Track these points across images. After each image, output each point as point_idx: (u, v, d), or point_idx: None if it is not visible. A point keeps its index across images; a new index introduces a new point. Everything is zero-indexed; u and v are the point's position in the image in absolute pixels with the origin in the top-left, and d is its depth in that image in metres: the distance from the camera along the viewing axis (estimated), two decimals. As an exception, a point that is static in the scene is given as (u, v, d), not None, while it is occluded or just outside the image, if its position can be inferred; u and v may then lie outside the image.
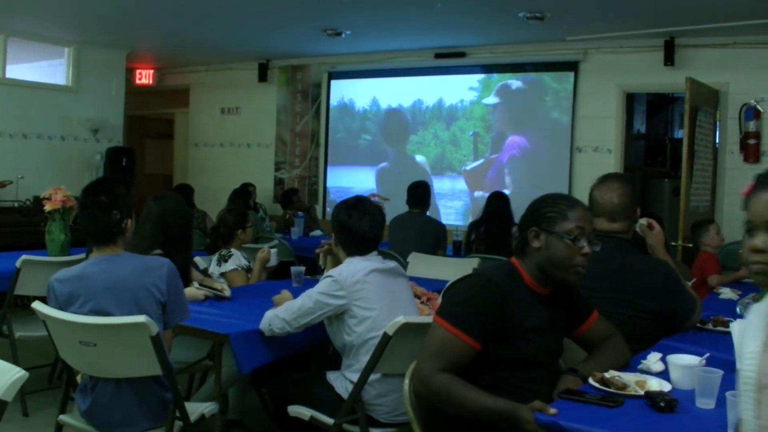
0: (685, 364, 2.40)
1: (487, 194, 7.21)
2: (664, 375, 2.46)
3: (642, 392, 2.24)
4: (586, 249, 2.51)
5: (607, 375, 2.36)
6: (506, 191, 7.70)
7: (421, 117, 9.22)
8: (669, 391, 2.28)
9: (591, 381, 2.35)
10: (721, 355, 2.52)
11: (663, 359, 2.56)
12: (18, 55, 8.73)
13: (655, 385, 2.32)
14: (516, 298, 2.50)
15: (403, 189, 6.82)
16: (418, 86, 9.23)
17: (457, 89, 8.94)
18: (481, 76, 8.76)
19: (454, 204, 9.03)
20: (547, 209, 2.56)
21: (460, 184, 8.97)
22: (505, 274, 2.58)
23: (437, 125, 9.09)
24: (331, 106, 9.85)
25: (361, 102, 9.68)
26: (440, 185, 9.01)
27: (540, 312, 2.55)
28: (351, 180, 9.67)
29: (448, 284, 2.67)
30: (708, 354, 2.48)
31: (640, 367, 2.57)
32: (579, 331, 2.75)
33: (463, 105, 8.90)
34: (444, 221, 7.60)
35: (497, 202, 6.63)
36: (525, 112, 8.53)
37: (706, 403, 2.18)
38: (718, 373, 2.19)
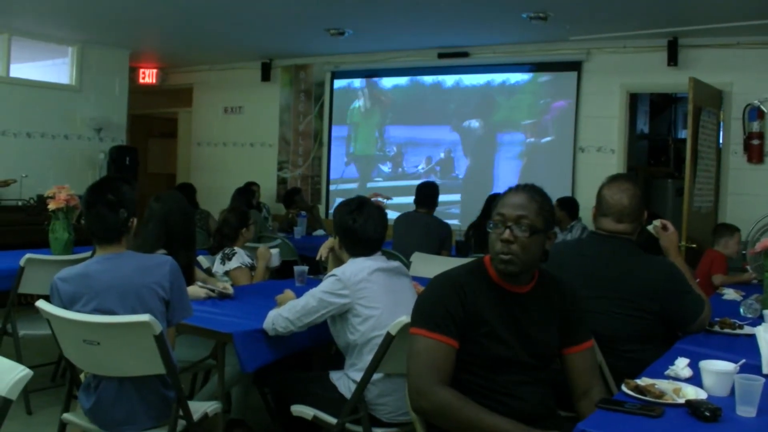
0: (720, 370, 2.31)
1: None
2: (692, 381, 2.38)
3: (682, 401, 2.16)
4: (505, 235, 2.42)
5: (641, 382, 2.26)
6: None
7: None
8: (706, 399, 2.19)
9: (624, 389, 2.26)
10: (736, 357, 2.46)
11: (690, 365, 2.47)
12: (22, 55, 8.73)
13: (691, 392, 2.23)
14: (478, 294, 2.45)
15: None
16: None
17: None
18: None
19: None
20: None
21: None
22: (469, 270, 2.55)
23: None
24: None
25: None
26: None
27: (512, 310, 2.47)
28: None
29: None
30: (743, 360, 2.41)
31: (667, 372, 2.48)
32: (566, 351, 2.59)
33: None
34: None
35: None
36: (527, 112, 8.54)
37: (747, 411, 2.10)
38: (760, 381, 2.11)
